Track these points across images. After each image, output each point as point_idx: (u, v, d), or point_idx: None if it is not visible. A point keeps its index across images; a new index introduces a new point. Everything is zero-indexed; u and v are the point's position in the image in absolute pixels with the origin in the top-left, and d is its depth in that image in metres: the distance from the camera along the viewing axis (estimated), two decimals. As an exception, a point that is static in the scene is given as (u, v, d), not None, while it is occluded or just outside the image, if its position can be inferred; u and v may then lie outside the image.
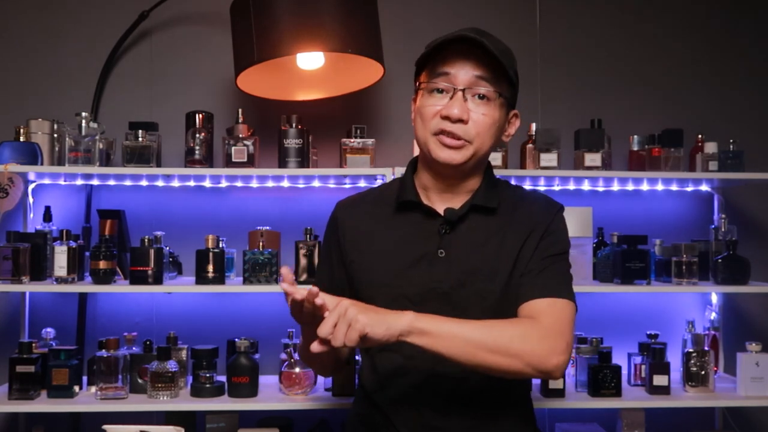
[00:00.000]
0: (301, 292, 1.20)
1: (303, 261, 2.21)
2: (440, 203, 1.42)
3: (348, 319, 1.17)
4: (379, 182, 2.34)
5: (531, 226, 1.40)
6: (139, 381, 2.18)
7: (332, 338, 1.17)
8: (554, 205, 1.46)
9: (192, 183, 2.42)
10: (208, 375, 2.16)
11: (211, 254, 2.17)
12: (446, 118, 1.34)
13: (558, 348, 1.28)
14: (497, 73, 1.35)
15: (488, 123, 1.35)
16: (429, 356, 1.31)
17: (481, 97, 1.35)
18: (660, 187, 2.51)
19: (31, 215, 2.37)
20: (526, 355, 1.26)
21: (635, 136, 2.42)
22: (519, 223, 1.40)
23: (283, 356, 2.21)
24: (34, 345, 2.18)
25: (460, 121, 1.33)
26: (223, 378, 2.21)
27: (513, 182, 2.31)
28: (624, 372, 2.32)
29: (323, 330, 1.17)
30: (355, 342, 1.17)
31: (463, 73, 1.34)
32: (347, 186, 2.46)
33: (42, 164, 2.21)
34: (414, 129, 1.42)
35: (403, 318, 1.22)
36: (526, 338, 1.27)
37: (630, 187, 2.50)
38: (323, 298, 1.20)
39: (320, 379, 2.25)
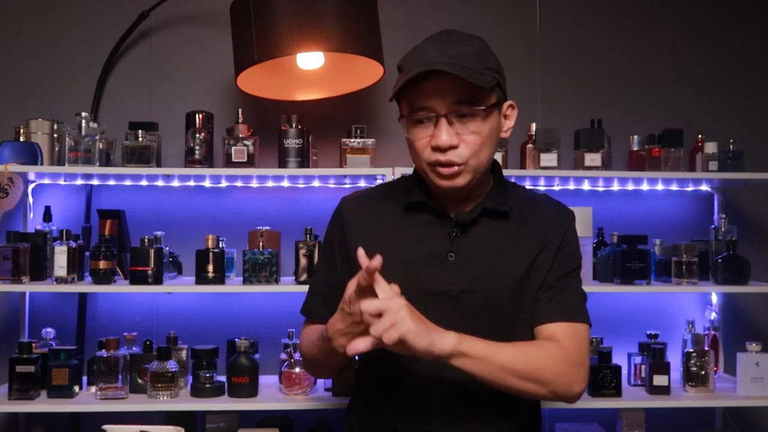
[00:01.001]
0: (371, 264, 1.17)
1: (303, 261, 2.21)
2: (450, 206, 1.40)
3: (396, 318, 1.15)
4: (379, 182, 2.34)
5: (546, 235, 1.38)
6: (139, 381, 2.18)
7: (372, 327, 1.15)
8: (568, 214, 1.44)
9: (192, 183, 2.42)
10: (208, 375, 2.15)
11: (211, 254, 2.17)
12: (437, 148, 1.31)
13: (581, 377, 1.31)
14: (476, 89, 1.29)
15: (480, 140, 1.31)
16: (436, 362, 1.29)
17: (466, 115, 1.31)
18: (660, 187, 2.51)
19: (31, 215, 2.37)
20: (552, 384, 1.28)
21: (635, 136, 2.41)
22: (533, 230, 1.39)
23: (283, 356, 2.21)
24: (34, 345, 2.18)
25: (451, 147, 1.30)
26: (223, 378, 2.21)
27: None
28: (624, 372, 2.32)
29: (366, 306, 1.15)
30: (392, 341, 1.14)
31: (441, 101, 1.30)
32: (347, 186, 2.45)
33: (42, 164, 2.21)
34: (411, 156, 1.40)
35: (446, 339, 1.20)
36: (555, 368, 1.28)
37: (630, 187, 2.50)
38: (378, 277, 1.18)
39: (320, 379, 2.25)
